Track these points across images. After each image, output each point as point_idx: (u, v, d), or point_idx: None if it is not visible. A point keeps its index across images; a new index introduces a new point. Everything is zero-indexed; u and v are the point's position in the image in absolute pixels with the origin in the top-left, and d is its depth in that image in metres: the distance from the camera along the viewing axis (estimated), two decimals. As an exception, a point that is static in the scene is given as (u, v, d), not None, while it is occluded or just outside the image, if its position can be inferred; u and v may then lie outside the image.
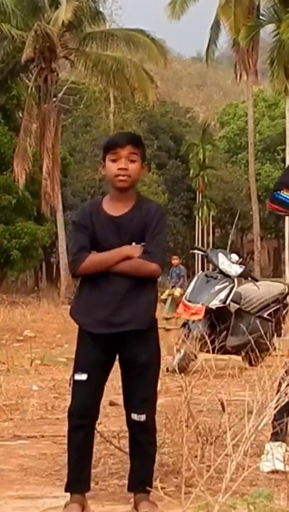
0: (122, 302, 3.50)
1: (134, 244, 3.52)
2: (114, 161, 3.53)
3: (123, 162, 3.51)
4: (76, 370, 3.57)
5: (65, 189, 38.69)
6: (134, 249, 3.50)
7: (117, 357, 3.63)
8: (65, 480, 3.66)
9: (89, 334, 3.56)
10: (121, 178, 3.51)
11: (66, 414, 3.57)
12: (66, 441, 3.64)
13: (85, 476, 3.63)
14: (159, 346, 3.65)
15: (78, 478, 3.60)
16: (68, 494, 3.60)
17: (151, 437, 3.61)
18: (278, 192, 4.44)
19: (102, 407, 6.05)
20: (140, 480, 3.58)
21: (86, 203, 3.81)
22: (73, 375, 3.58)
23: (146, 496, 3.54)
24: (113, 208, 3.58)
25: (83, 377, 3.53)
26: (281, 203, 4.47)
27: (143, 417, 3.52)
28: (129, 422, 3.57)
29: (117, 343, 3.55)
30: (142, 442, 3.57)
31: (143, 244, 3.53)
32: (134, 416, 3.52)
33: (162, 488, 3.48)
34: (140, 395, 3.54)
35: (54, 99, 29.94)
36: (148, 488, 3.53)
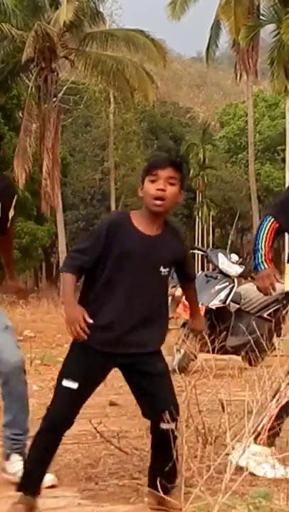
0: (142, 322, 3.46)
1: (161, 268, 3.52)
2: (152, 181, 3.45)
3: (162, 183, 3.44)
4: (66, 375, 3.47)
5: (65, 189, 38.71)
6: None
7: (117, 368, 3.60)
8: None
9: (90, 346, 3.47)
10: (157, 202, 3.44)
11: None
12: (36, 442, 3.57)
13: (41, 480, 3.57)
14: None
15: (35, 481, 3.55)
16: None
17: (174, 444, 3.57)
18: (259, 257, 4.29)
19: (102, 407, 6.07)
20: (167, 482, 3.54)
21: (117, 213, 3.78)
22: (61, 379, 3.49)
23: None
24: (144, 226, 3.50)
25: (74, 385, 3.44)
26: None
27: (173, 425, 3.50)
28: (157, 431, 3.52)
29: (125, 359, 3.51)
30: (168, 450, 3.54)
31: (167, 271, 3.55)
32: (164, 425, 3.48)
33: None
34: (168, 402, 3.51)
35: (54, 99, 29.90)
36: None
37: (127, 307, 3.44)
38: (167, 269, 3.54)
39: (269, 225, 4.19)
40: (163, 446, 3.56)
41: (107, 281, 3.46)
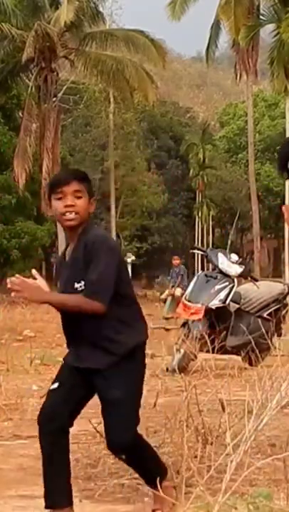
0: (82, 340, 3.45)
1: (75, 285, 3.39)
2: (60, 199, 3.42)
3: (69, 199, 3.40)
4: (52, 383, 3.57)
5: (65, 189, 38.63)
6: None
7: None
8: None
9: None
10: (68, 215, 3.41)
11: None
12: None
13: (61, 488, 3.45)
14: (137, 379, 3.46)
15: (54, 491, 3.45)
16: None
17: (139, 459, 3.51)
18: None
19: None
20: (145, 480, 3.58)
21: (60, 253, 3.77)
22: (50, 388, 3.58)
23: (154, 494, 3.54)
24: (69, 251, 3.55)
25: (54, 385, 3.51)
26: None
27: (123, 456, 3.47)
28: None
29: (91, 379, 3.47)
30: (132, 464, 3.58)
31: (82, 284, 3.38)
32: (114, 452, 3.49)
33: (162, 488, 3.47)
34: (113, 434, 3.39)
35: (54, 99, 29.89)
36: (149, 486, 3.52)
37: (67, 330, 3.55)
38: (83, 283, 3.39)
39: None
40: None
41: None
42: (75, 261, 3.43)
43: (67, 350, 3.63)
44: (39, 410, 3.53)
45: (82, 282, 3.36)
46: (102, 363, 3.38)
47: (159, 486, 3.35)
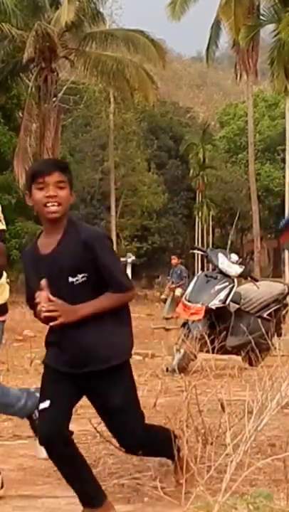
0: (79, 345, 3.29)
1: (70, 279, 3.26)
2: (41, 189, 3.28)
3: (51, 189, 3.27)
4: (40, 401, 3.40)
5: (64, 189, 38.69)
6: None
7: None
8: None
9: (55, 369, 3.43)
10: (51, 207, 3.28)
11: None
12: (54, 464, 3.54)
13: (91, 488, 3.36)
14: (134, 384, 3.44)
15: (86, 493, 3.36)
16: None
17: (155, 447, 3.63)
18: None
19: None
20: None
21: (30, 245, 3.58)
22: (38, 407, 3.42)
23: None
24: (44, 244, 3.38)
25: (45, 404, 3.33)
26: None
27: (140, 453, 3.56)
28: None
29: (85, 386, 3.37)
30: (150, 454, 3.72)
31: (83, 276, 3.26)
32: (132, 453, 3.57)
33: (162, 488, 3.48)
34: (126, 441, 3.43)
35: (54, 99, 29.90)
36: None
37: (65, 331, 3.31)
38: (80, 276, 3.27)
39: None
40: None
41: None
42: (66, 255, 3.28)
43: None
44: (40, 433, 3.40)
45: (80, 276, 3.26)
46: (106, 360, 3.30)
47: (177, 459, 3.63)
